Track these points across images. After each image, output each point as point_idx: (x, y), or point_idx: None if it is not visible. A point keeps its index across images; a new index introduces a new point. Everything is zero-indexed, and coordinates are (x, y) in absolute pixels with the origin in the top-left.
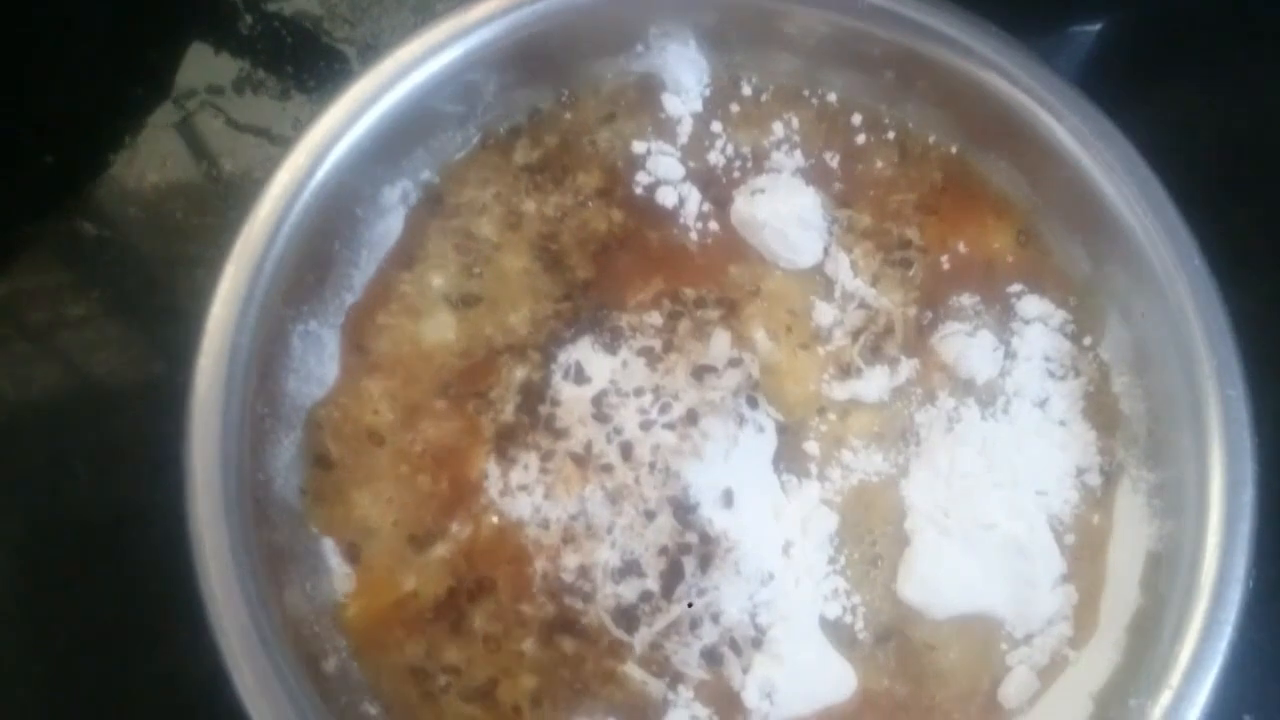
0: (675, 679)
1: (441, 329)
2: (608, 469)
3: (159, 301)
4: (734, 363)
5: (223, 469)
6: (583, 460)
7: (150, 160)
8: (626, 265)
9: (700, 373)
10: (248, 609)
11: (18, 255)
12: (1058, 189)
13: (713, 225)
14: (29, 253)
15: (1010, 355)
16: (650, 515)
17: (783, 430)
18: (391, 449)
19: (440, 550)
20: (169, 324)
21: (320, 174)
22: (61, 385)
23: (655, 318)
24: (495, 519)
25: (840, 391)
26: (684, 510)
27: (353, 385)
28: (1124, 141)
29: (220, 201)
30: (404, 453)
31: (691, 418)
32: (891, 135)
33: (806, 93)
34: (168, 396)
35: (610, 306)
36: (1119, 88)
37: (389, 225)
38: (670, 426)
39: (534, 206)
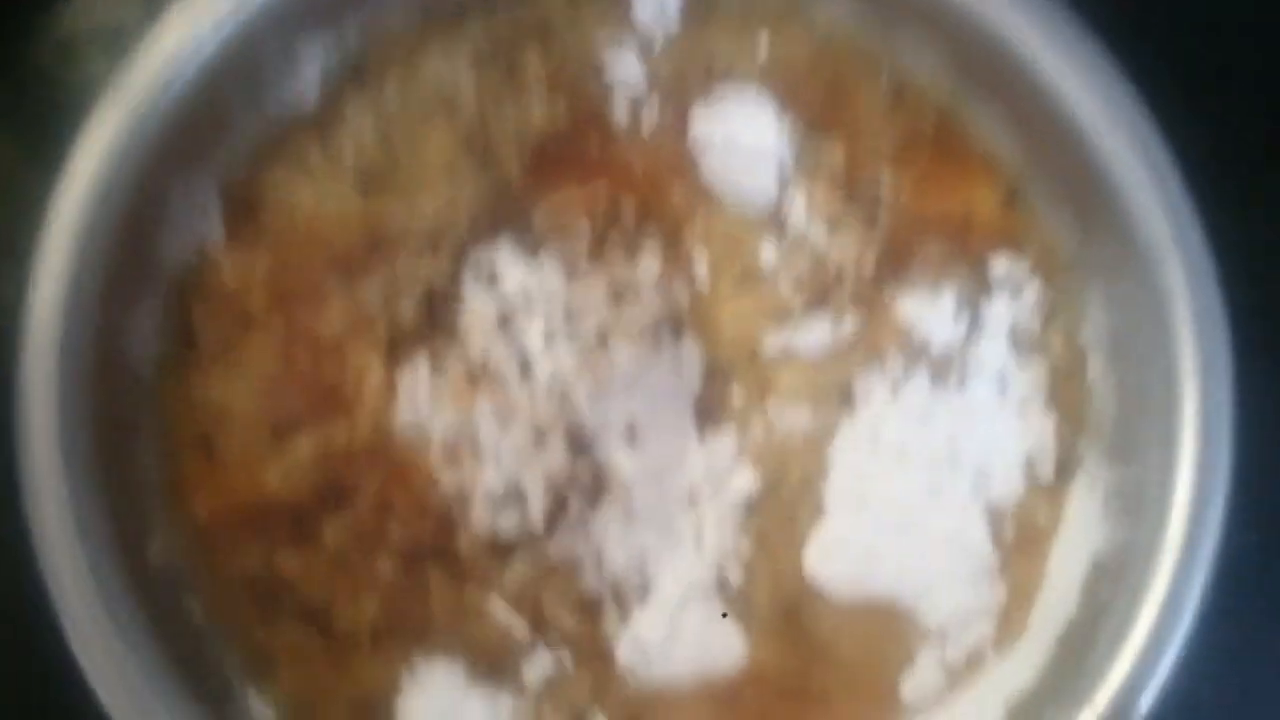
0: (542, 624)
1: (344, 205)
2: (501, 384)
3: None
4: (660, 286)
5: (66, 317)
6: (477, 373)
7: None
8: (563, 167)
9: (621, 290)
10: (68, 474)
11: None
12: (1052, 146)
13: (665, 138)
14: None
15: (975, 325)
16: (541, 441)
17: (707, 371)
18: (266, 331)
19: (305, 446)
20: None
21: (225, 27)
22: None
23: (584, 226)
24: (371, 424)
25: (776, 338)
26: (579, 440)
27: (233, 254)
28: (1126, 93)
29: None
30: (279, 337)
31: (601, 339)
32: (883, 70)
33: (793, 11)
34: None
35: (537, 208)
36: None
37: (302, 86)
38: (578, 350)
39: (471, 90)
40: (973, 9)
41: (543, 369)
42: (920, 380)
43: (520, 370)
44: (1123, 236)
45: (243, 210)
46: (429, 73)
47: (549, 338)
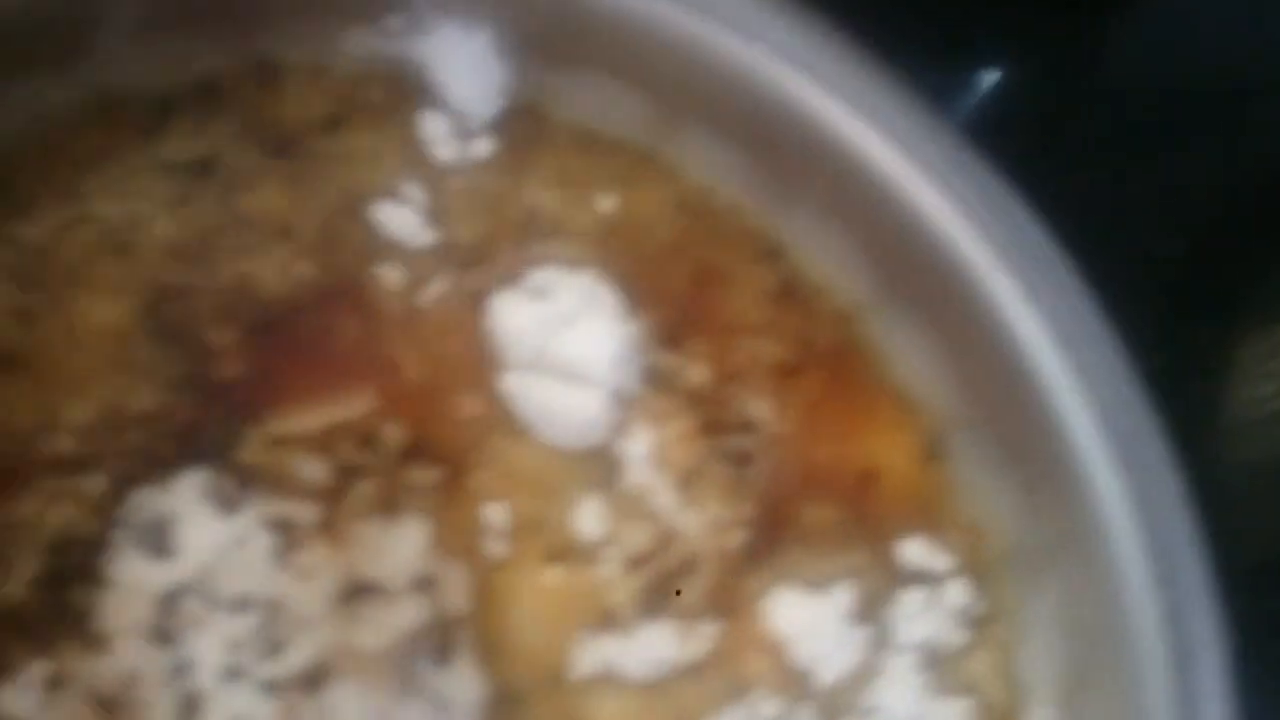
0: None
1: None
2: None
3: None
4: (422, 585)
5: None
6: (111, 708)
7: None
8: (299, 362)
9: (355, 595)
10: None
11: None
12: (990, 382)
13: (454, 332)
14: None
15: (880, 641)
16: None
17: (494, 705)
18: None
19: None
20: None
21: None
22: None
23: (316, 468)
24: None
25: (595, 652)
26: None
27: None
28: (1095, 315)
29: None
30: None
31: (315, 679)
32: (768, 258)
33: (652, 156)
34: None
35: (252, 428)
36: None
37: None
38: (274, 689)
39: (166, 230)
40: (900, 183)
41: (217, 713)
42: None
43: (181, 712)
44: (1084, 520)
45: None
46: (94, 199)
47: (233, 667)
